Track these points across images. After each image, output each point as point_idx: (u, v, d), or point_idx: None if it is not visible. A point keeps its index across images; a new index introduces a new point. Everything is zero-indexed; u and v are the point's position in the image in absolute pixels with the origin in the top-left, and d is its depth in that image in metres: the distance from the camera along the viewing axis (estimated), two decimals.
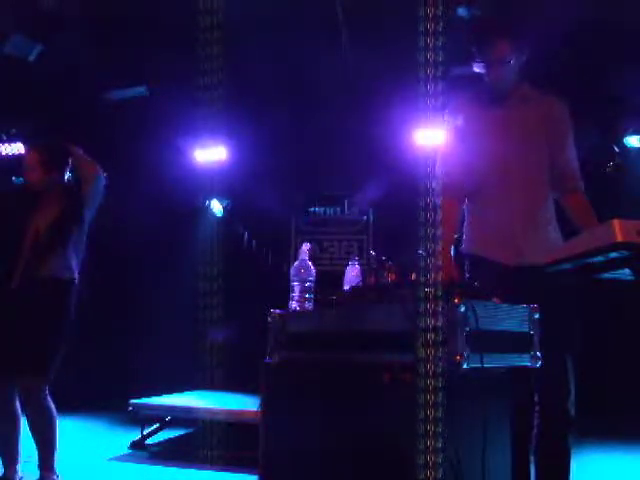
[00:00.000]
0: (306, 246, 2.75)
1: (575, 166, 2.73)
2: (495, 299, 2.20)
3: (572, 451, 2.58)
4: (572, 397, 2.56)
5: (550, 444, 2.54)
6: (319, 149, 5.83)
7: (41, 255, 3.21)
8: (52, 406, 3.16)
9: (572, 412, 2.55)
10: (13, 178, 3.56)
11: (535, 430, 2.54)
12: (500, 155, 2.64)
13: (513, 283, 2.39)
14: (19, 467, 3.16)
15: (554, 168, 2.68)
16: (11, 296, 3.17)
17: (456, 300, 1.99)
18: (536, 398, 2.54)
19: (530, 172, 2.64)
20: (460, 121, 2.70)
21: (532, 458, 2.55)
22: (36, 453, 3.18)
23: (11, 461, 3.13)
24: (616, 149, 5.54)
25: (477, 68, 2.67)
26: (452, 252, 2.69)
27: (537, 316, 2.28)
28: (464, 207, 2.78)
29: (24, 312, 3.13)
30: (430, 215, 2.25)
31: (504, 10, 4.60)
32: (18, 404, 3.16)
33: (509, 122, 2.67)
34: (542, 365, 2.26)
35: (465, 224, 2.77)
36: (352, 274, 2.67)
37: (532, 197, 2.64)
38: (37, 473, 3.16)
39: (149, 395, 4.81)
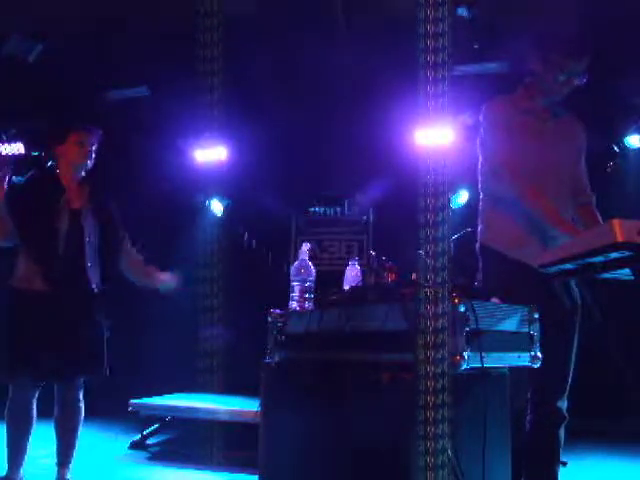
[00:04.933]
0: (306, 246, 2.75)
1: (587, 181, 2.85)
2: (495, 299, 2.20)
3: (568, 452, 2.60)
4: (565, 396, 2.57)
5: (540, 442, 2.56)
6: (319, 149, 5.83)
7: (111, 260, 3.27)
8: (83, 405, 3.23)
9: (564, 410, 2.57)
10: (13, 178, 3.54)
11: (527, 426, 2.55)
12: (541, 162, 2.65)
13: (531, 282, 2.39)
14: (22, 469, 3.15)
15: (573, 181, 2.77)
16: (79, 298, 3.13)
17: (456, 300, 1.99)
18: (529, 395, 2.56)
19: (563, 181, 2.71)
20: (508, 122, 2.68)
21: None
22: (57, 451, 3.19)
23: (17, 462, 3.12)
24: (616, 149, 5.53)
25: (553, 78, 2.62)
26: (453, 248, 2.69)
27: (537, 316, 2.28)
28: (490, 205, 2.77)
29: (89, 317, 3.16)
30: (430, 215, 2.25)
31: (504, 10, 4.60)
32: (35, 407, 3.17)
33: (550, 132, 2.72)
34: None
35: (493, 221, 2.75)
36: (352, 274, 2.67)
37: (563, 204, 2.68)
38: (44, 471, 3.18)
39: (149, 395, 4.81)
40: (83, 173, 3.28)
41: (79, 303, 3.10)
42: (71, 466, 3.19)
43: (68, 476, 3.16)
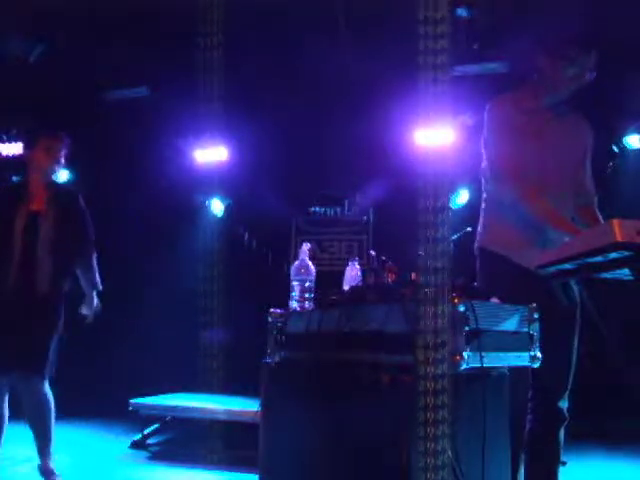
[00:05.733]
0: (306, 246, 2.75)
1: (592, 183, 2.81)
2: (495, 299, 2.20)
3: (568, 452, 2.60)
4: (566, 396, 2.57)
5: (540, 442, 2.55)
6: (319, 149, 5.83)
7: (65, 261, 3.31)
8: (50, 394, 3.23)
9: (565, 411, 2.57)
10: (13, 178, 3.56)
11: (527, 426, 2.55)
12: (544, 162, 2.63)
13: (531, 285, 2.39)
14: None
15: (576, 182, 2.74)
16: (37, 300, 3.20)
17: (456, 300, 1.99)
18: (530, 395, 2.55)
19: (566, 182, 2.69)
20: (512, 121, 2.64)
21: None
22: (35, 443, 3.23)
23: None
24: (616, 149, 5.54)
25: (562, 73, 2.58)
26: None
27: (537, 316, 2.28)
28: (490, 206, 2.76)
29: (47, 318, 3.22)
30: (429, 216, 2.25)
31: (504, 10, 4.61)
32: (6, 405, 3.20)
33: (555, 132, 2.68)
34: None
35: (493, 223, 2.73)
36: (352, 274, 2.67)
37: (565, 205, 2.67)
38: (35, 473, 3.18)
39: (149, 395, 4.81)
40: (53, 177, 3.41)
41: (26, 301, 3.17)
42: (52, 456, 3.24)
43: (52, 466, 3.20)
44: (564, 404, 2.57)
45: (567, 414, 2.58)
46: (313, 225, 6.41)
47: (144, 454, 4.56)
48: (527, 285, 2.38)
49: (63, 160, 3.40)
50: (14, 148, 5.94)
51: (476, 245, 2.77)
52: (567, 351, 2.59)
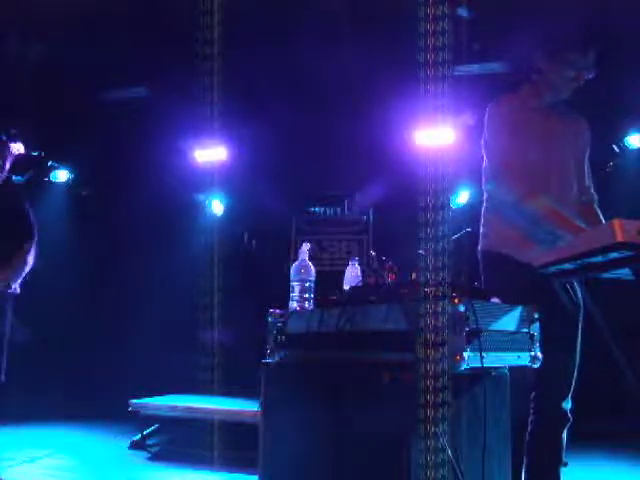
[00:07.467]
0: (306, 246, 2.75)
1: (590, 181, 2.82)
2: (495, 299, 2.20)
3: (569, 453, 2.59)
4: (569, 396, 2.56)
5: (543, 443, 2.54)
6: (319, 149, 5.83)
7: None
8: None
9: (568, 411, 2.56)
10: (13, 177, 3.57)
11: (530, 427, 2.54)
12: (547, 161, 2.63)
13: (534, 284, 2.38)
14: None
15: (577, 180, 2.75)
16: None
17: (456, 300, 1.99)
18: (532, 395, 2.55)
19: (568, 180, 2.70)
20: (514, 121, 2.65)
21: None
22: None
23: None
24: (616, 149, 5.53)
25: (561, 74, 2.60)
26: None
27: (537, 316, 2.28)
28: (491, 206, 2.75)
29: None
30: (430, 214, 2.25)
31: (504, 10, 4.60)
32: None
33: (557, 131, 2.70)
34: (541, 364, 2.27)
35: (494, 223, 2.73)
36: (352, 274, 2.67)
37: (567, 203, 2.66)
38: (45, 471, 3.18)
39: (149, 395, 4.81)
40: None
41: None
42: None
43: None
44: (567, 405, 2.57)
45: (570, 415, 2.57)
46: (313, 225, 6.40)
47: (144, 454, 4.55)
48: (533, 284, 2.37)
49: (8, 166, 3.63)
50: (14, 148, 5.93)
51: (480, 248, 2.76)
52: (570, 351, 2.58)
